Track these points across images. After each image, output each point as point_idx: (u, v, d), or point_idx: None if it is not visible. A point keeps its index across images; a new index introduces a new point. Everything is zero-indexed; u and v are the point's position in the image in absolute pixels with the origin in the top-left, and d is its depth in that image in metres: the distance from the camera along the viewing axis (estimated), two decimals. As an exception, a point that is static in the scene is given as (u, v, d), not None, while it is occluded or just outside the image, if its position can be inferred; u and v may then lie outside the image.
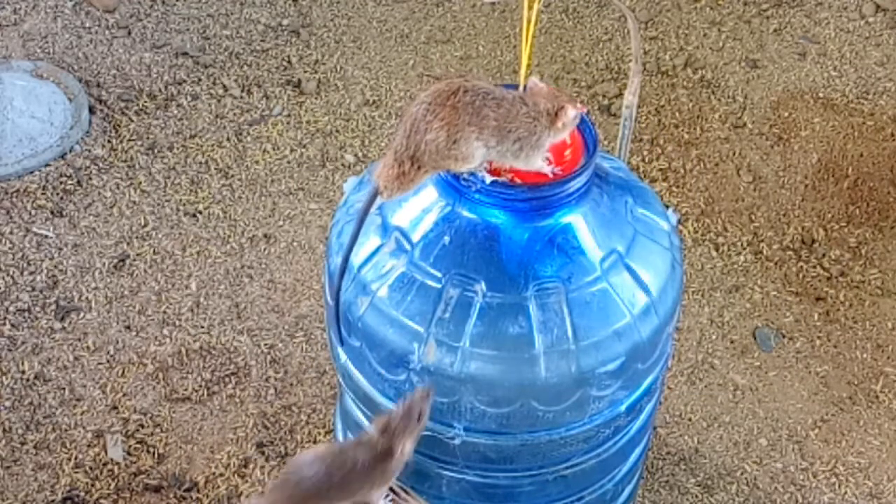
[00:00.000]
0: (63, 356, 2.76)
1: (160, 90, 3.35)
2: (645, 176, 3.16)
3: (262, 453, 2.61)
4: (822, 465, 2.64)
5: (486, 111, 1.68)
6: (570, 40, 3.57)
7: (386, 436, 1.75)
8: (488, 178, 1.74)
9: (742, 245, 3.04)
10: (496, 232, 1.78)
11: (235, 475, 2.57)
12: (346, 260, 1.80)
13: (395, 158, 1.71)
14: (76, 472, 2.57)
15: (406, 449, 1.75)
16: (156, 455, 2.60)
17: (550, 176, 1.75)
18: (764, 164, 3.24)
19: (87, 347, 2.78)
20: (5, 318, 2.81)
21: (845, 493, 2.59)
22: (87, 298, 2.86)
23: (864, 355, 2.84)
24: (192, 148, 3.21)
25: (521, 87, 1.77)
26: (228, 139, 3.24)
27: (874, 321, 2.90)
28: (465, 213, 1.79)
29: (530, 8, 1.78)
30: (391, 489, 1.89)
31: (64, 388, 2.70)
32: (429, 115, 1.68)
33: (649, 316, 1.84)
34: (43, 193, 3.07)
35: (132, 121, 3.27)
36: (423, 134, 1.68)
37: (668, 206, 2.01)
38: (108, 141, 3.21)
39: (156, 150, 3.20)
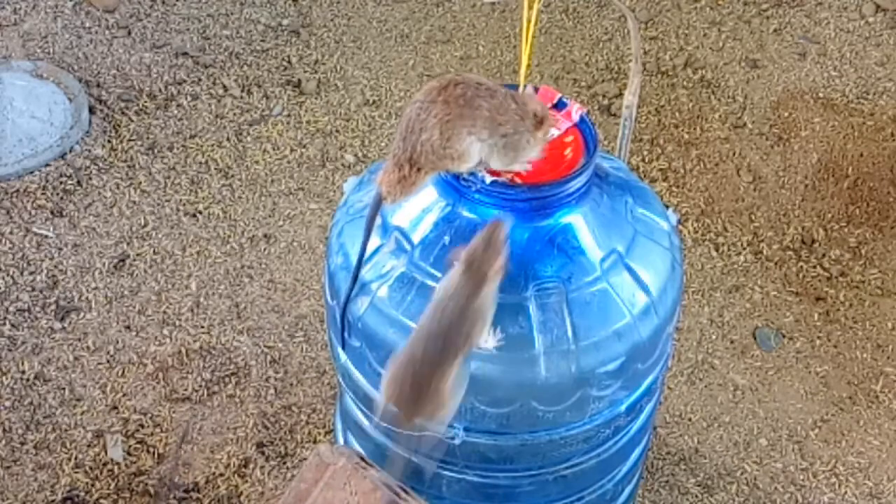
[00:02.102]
0: (63, 356, 2.76)
1: (160, 90, 3.35)
2: (645, 176, 3.16)
3: (262, 453, 2.61)
4: (822, 465, 2.64)
5: (479, 101, 1.68)
6: (570, 40, 3.56)
7: (474, 268, 1.70)
8: (488, 178, 1.74)
9: (742, 245, 3.04)
10: (496, 232, 1.78)
11: (235, 475, 2.57)
12: (358, 268, 1.79)
13: (395, 163, 1.71)
14: (76, 472, 2.57)
15: (499, 266, 1.68)
16: (156, 455, 2.60)
17: (524, 173, 1.75)
18: (764, 164, 3.24)
19: (87, 347, 2.78)
20: (5, 318, 2.81)
21: (845, 493, 2.59)
22: (87, 298, 2.86)
23: (864, 355, 2.84)
24: (192, 148, 3.21)
25: (520, 88, 1.77)
26: (228, 139, 3.24)
27: (874, 321, 2.90)
28: (465, 213, 1.79)
29: (530, 8, 1.78)
30: (391, 487, 1.89)
31: (64, 388, 2.70)
32: (422, 114, 1.67)
33: (649, 316, 1.84)
34: (43, 193, 3.07)
35: (132, 121, 3.27)
36: (419, 134, 1.67)
37: (668, 206, 2.01)
38: (108, 141, 3.21)
39: (156, 150, 3.20)
